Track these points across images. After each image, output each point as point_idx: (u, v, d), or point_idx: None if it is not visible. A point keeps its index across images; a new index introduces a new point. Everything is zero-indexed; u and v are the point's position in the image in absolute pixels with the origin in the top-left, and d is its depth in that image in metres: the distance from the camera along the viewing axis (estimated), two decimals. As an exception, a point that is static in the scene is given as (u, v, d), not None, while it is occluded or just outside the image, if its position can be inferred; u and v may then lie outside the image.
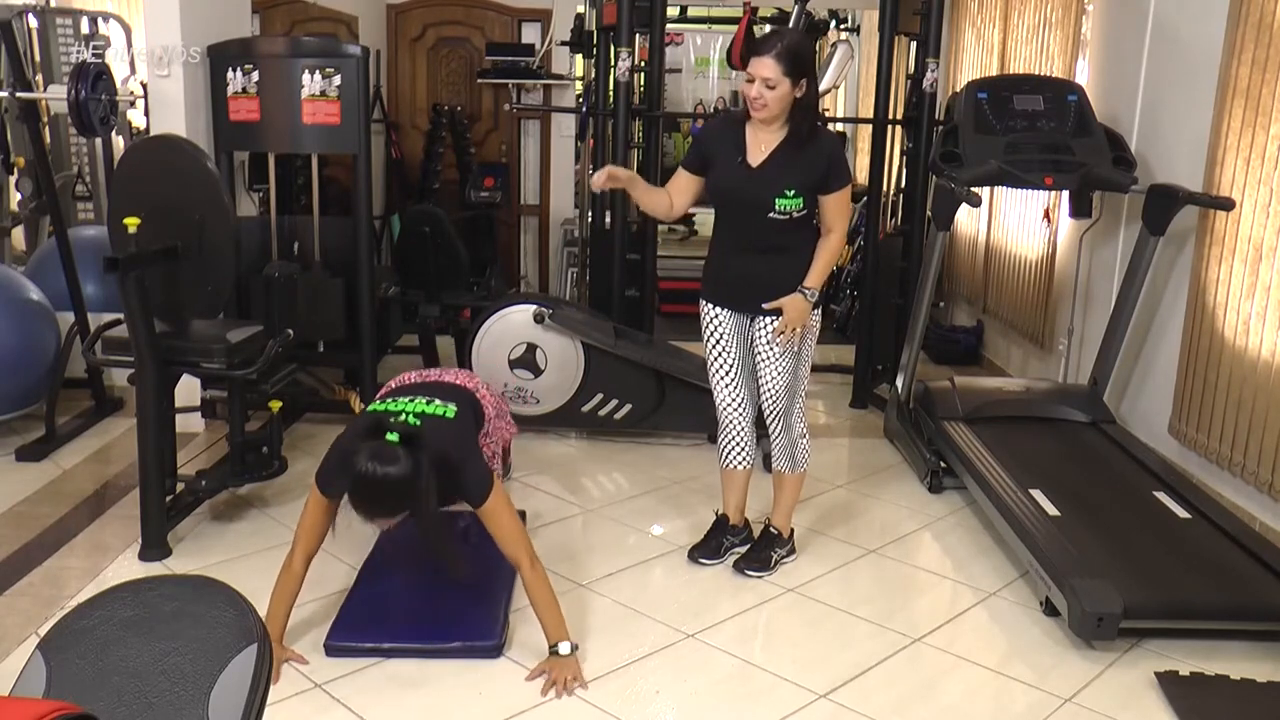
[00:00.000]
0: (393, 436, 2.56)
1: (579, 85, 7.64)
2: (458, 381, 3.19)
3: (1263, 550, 3.27)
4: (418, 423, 2.76)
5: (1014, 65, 5.81)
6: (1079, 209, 4.63)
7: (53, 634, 1.48)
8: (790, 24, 5.17)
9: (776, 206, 3.11)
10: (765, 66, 3.03)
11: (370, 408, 3.01)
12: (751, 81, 3.07)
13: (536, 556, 2.82)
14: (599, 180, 3.20)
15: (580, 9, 6.71)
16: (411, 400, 2.89)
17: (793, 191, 3.10)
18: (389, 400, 2.94)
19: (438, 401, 2.90)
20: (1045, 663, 2.93)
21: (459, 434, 2.87)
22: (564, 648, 2.77)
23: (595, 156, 5.63)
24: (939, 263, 4.56)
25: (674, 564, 3.51)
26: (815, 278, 3.18)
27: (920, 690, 2.80)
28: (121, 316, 3.36)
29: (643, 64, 5.63)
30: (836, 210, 3.18)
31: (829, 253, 3.20)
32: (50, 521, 3.66)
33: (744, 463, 3.47)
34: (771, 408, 3.33)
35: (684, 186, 3.30)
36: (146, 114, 4.65)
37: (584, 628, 3.01)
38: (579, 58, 7.21)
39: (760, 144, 3.17)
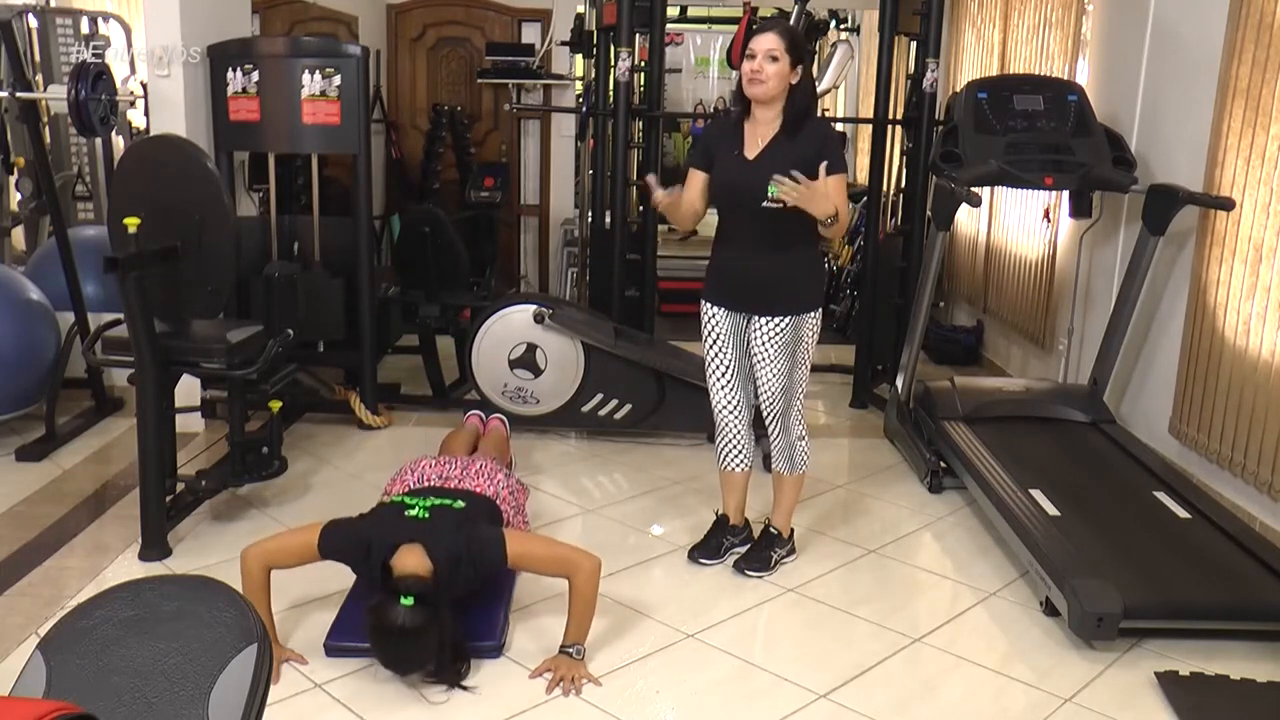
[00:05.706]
0: (407, 600, 2.59)
1: (579, 85, 7.64)
2: (476, 488, 3.20)
3: (1263, 550, 3.27)
4: (427, 515, 2.84)
5: (1014, 65, 5.80)
6: (1079, 209, 4.63)
7: (53, 634, 1.48)
8: (790, 24, 5.17)
9: (770, 194, 3.10)
10: (768, 39, 3.09)
11: (390, 499, 3.08)
12: (752, 57, 3.09)
13: (586, 555, 2.83)
14: (660, 200, 3.22)
15: (580, 9, 6.71)
16: (425, 498, 2.97)
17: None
18: (406, 496, 3.01)
19: (448, 499, 2.99)
20: (1045, 663, 2.93)
21: (463, 519, 2.90)
22: (576, 650, 2.79)
23: (595, 156, 5.63)
24: (939, 263, 4.56)
25: (674, 564, 3.51)
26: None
27: (920, 690, 2.80)
28: (121, 316, 3.36)
29: (643, 64, 5.63)
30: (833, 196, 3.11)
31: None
32: (50, 521, 3.66)
33: (742, 465, 3.47)
34: (769, 409, 3.33)
35: (699, 188, 3.30)
36: (146, 114, 4.65)
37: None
38: (579, 58, 7.21)
39: (757, 137, 3.19)
